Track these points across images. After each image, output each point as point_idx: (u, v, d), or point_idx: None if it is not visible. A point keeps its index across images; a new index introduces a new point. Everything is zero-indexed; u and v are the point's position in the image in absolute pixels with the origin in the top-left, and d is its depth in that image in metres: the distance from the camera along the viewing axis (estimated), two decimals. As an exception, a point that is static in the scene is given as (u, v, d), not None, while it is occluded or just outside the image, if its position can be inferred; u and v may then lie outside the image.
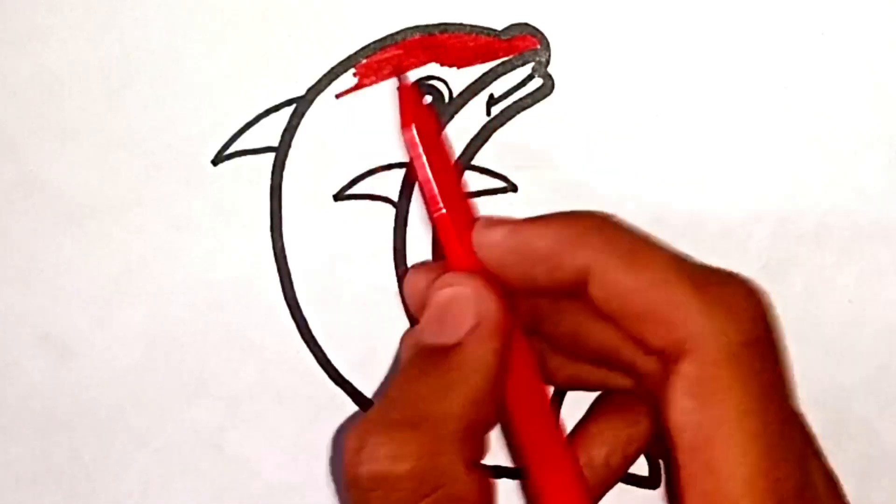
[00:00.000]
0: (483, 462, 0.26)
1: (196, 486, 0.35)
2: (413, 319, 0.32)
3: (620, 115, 0.34)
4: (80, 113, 0.34)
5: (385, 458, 0.24)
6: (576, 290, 0.27)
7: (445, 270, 0.29)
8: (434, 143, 0.29)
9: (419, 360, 0.27)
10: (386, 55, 0.34)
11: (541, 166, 0.34)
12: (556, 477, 0.28)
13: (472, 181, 0.34)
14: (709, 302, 0.25)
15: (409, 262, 0.34)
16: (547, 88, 0.34)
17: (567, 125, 0.34)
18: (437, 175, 0.29)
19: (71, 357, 0.35)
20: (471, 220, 0.29)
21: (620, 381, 0.30)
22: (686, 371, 0.25)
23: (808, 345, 0.34)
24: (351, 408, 0.35)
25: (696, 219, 0.34)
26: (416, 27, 0.33)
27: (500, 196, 0.34)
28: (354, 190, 0.34)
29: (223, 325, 0.35)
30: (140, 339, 0.35)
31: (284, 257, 0.34)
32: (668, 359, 0.26)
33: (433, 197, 0.29)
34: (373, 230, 0.34)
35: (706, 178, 0.34)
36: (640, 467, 0.35)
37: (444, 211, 0.29)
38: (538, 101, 0.34)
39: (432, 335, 0.27)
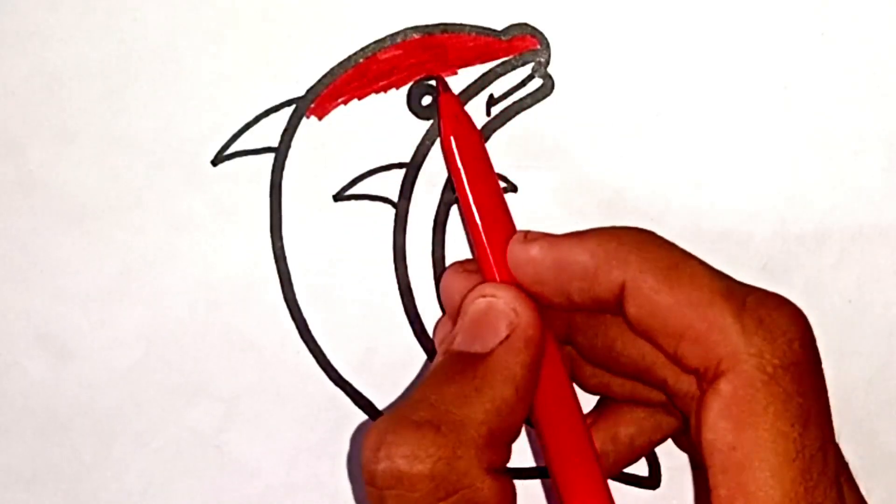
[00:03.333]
0: (506, 466, 0.26)
1: (196, 486, 0.35)
2: (448, 315, 0.32)
3: (620, 115, 0.34)
4: (80, 113, 0.34)
5: (403, 456, 0.24)
6: (612, 307, 0.27)
7: (484, 278, 0.29)
8: (474, 154, 0.29)
9: (448, 364, 0.27)
10: (386, 55, 0.34)
11: (541, 166, 0.34)
12: (583, 489, 0.28)
13: (472, 181, 0.34)
14: (747, 322, 0.25)
15: (409, 262, 0.34)
16: (547, 88, 0.34)
17: (567, 125, 0.34)
18: (474, 187, 0.29)
19: (71, 357, 0.35)
20: (508, 234, 0.29)
21: (650, 395, 0.30)
22: (722, 391, 0.25)
23: (808, 345, 0.34)
24: (351, 408, 0.35)
25: (696, 219, 0.34)
26: (416, 27, 0.33)
27: (500, 196, 0.34)
28: (354, 190, 0.34)
29: (223, 325, 0.35)
30: (140, 339, 0.35)
31: (284, 257, 0.34)
32: (704, 378, 0.26)
33: (469, 210, 0.29)
34: (373, 230, 0.34)
35: (706, 178, 0.34)
36: (641, 467, 0.35)
37: (479, 224, 0.29)
38: (538, 101, 0.34)
39: (464, 343, 0.27)
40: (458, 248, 0.34)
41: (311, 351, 0.35)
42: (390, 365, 0.35)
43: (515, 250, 0.29)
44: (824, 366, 0.34)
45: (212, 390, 0.35)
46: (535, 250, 0.28)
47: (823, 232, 0.34)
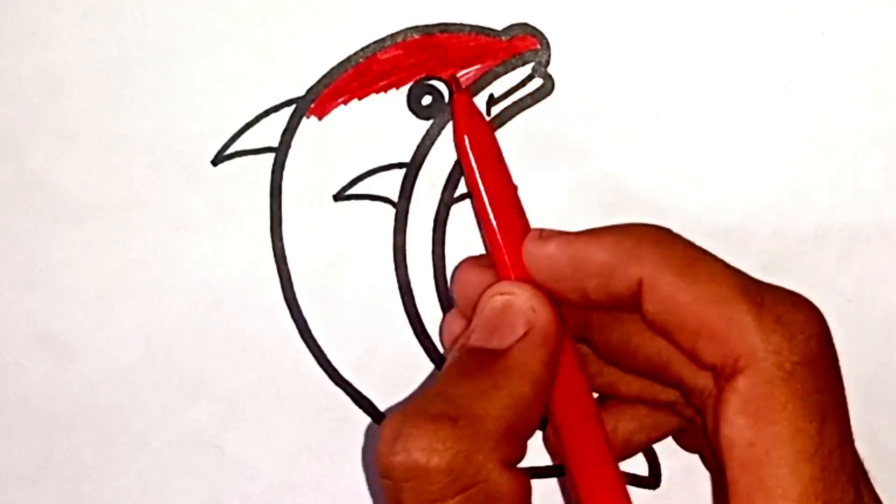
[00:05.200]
0: (520, 465, 0.26)
1: (196, 486, 0.35)
2: (459, 309, 0.32)
3: (620, 115, 0.34)
4: (80, 113, 0.34)
5: (420, 449, 0.24)
6: (628, 303, 0.27)
7: (498, 276, 0.29)
8: (488, 153, 0.30)
9: (465, 360, 0.27)
10: (386, 55, 0.34)
11: (540, 166, 0.34)
12: (600, 485, 0.28)
13: (472, 181, 0.34)
14: (765, 319, 0.25)
15: (409, 262, 0.34)
16: (547, 88, 0.34)
17: (567, 125, 0.34)
18: (489, 186, 0.29)
19: (71, 357, 0.35)
20: (523, 232, 0.29)
21: (658, 395, 0.30)
22: (740, 388, 0.25)
23: (808, 345, 0.34)
24: (351, 408, 0.35)
25: (696, 219, 0.34)
26: (416, 27, 0.33)
27: (500, 196, 0.34)
28: (354, 190, 0.34)
29: (223, 325, 0.35)
30: (140, 339, 0.35)
31: (284, 257, 0.34)
32: (722, 375, 0.26)
33: (484, 208, 0.29)
34: (373, 230, 0.34)
35: (706, 178, 0.34)
36: (641, 467, 0.35)
37: (494, 222, 0.29)
38: (538, 101, 0.34)
39: (480, 339, 0.27)
40: (458, 247, 0.34)
41: (311, 351, 0.35)
42: (390, 365, 0.35)
43: (531, 248, 0.29)
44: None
45: (212, 390, 0.35)
46: (551, 247, 0.28)
47: (823, 232, 0.34)
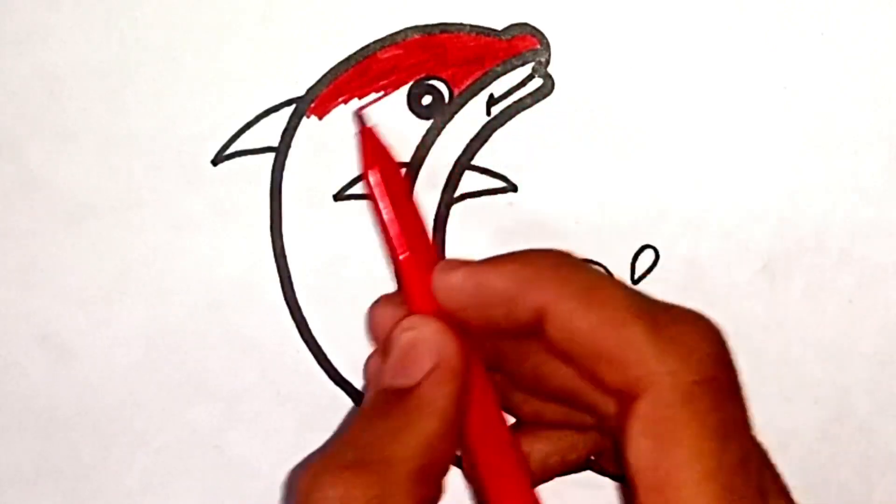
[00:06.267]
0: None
1: (196, 486, 0.35)
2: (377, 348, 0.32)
3: (620, 115, 0.34)
4: (80, 113, 0.34)
5: (335, 499, 0.24)
6: (534, 330, 0.27)
7: (409, 309, 0.29)
8: (396, 185, 0.29)
9: (378, 401, 0.27)
10: (386, 55, 0.34)
11: (541, 166, 0.34)
12: None
13: (472, 181, 0.34)
14: (662, 341, 0.25)
15: (409, 262, 0.34)
16: (547, 88, 0.34)
17: (567, 125, 0.34)
18: (399, 218, 0.29)
19: (71, 357, 0.35)
20: (433, 262, 0.29)
21: (584, 420, 0.30)
22: (641, 411, 0.25)
23: (808, 345, 0.34)
24: (351, 408, 0.35)
25: (696, 219, 0.34)
26: (416, 27, 0.33)
27: (500, 196, 0.34)
28: (354, 190, 0.34)
29: (223, 325, 0.35)
30: (140, 339, 0.35)
31: (284, 257, 0.34)
32: (625, 399, 0.26)
33: (394, 240, 0.29)
34: (373, 230, 0.34)
35: (706, 178, 0.34)
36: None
37: (405, 255, 0.29)
38: (538, 101, 0.34)
39: (393, 377, 0.27)
40: (458, 248, 0.34)
41: (311, 351, 0.35)
42: (390, 365, 0.35)
43: (438, 279, 0.29)
44: (827, 364, 0.34)
45: (212, 390, 0.35)
46: (457, 277, 0.28)
47: (823, 232, 0.34)
